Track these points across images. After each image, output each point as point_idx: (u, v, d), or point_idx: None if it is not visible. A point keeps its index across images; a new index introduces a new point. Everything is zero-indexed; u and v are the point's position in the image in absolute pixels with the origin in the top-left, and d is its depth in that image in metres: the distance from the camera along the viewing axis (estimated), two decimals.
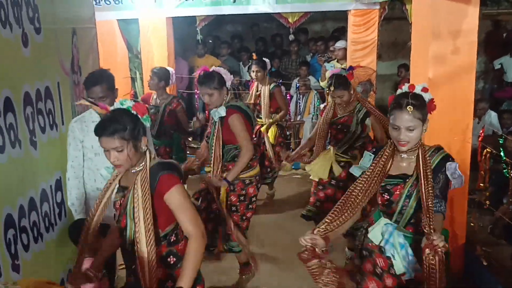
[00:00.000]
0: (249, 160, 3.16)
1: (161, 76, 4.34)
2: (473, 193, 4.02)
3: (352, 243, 3.58)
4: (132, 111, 1.97)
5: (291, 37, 6.85)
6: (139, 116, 1.98)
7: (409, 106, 2.03)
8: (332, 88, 3.57)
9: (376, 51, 6.13)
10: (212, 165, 3.17)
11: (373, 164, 2.20)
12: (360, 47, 6.09)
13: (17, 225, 2.27)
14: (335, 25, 8.11)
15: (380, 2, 5.79)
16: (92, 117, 2.88)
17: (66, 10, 3.19)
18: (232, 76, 3.27)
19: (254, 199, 3.31)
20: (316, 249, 2.05)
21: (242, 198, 3.22)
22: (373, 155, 2.25)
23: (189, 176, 4.75)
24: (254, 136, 4.75)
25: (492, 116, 5.60)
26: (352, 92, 3.60)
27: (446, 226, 2.25)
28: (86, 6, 3.67)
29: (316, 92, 6.77)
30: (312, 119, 6.65)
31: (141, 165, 2.00)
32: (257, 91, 4.95)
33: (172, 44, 6.39)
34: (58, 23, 2.97)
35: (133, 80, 6.81)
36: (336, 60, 6.46)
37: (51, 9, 2.86)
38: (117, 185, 2.11)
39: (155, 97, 4.39)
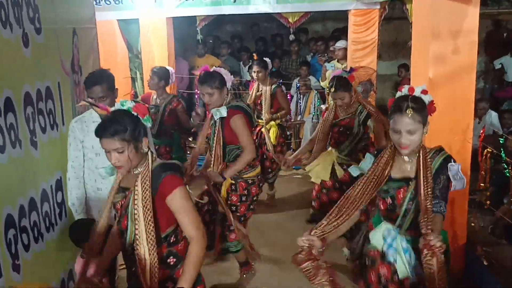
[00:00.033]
0: (250, 160, 3.15)
1: (161, 75, 4.33)
2: (473, 193, 4.02)
3: (349, 243, 3.59)
4: (133, 112, 1.97)
5: (292, 37, 6.85)
6: (140, 117, 1.97)
7: (409, 110, 2.03)
8: (333, 90, 3.57)
9: (376, 51, 6.13)
10: (212, 166, 3.17)
11: (373, 167, 2.20)
12: (361, 47, 6.09)
13: (17, 225, 2.27)
14: (335, 25, 8.12)
15: (380, 2, 5.79)
16: (93, 117, 2.88)
17: (67, 10, 3.19)
18: (232, 76, 3.27)
19: (256, 198, 3.30)
20: (313, 250, 2.06)
21: (244, 198, 3.21)
22: (374, 158, 2.25)
23: None
24: (255, 137, 4.76)
25: (492, 116, 5.60)
26: (353, 94, 3.58)
27: (447, 226, 2.25)
28: (86, 6, 3.67)
29: (316, 92, 6.77)
30: (312, 119, 6.66)
31: (142, 166, 2.00)
32: (257, 91, 4.94)
33: (172, 44, 6.40)
34: (58, 23, 2.97)
35: (133, 80, 6.81)
36: (336, 60, 6.46)
37: (51, 9, 2.86)
38: (118, 186, 2.11)
39: (155, 97, 4.38)
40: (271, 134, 4.84)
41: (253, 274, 3.51)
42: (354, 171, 2.29)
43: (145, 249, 1.92)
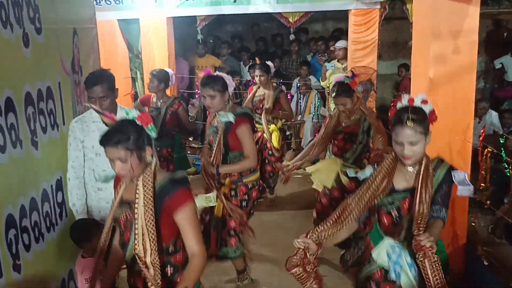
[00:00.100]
0: (249, 168, 3.15)
1: (161, 78, 4.32)
2: (474, 193, 4.02)
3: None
4: (137, 122, 1.97)
5: (292, 37, 6.84)
6: (144, 127, 1.98)
7: (410, 121, 2.03)
8: (334, 95, 3.57)
9: (376, 51, 6.13)
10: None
11: (371, 178, 2.19)
12: (361, 47, 6.09)
13: (18, 225, 2.28)
14: (335, 25, 8.11)
15: (380, 1, 5.79)
16: (93, 117, 2.88)
17: (67, 10, 3.19)
18: (234, 83, 3.26)
19: (255, 202, 3.31)
20: (308, 253, 2.07)
21: (244, 203, 3.20)
22: (373, 169, 2.25)
23: (190, 176, 4.77)
24: (255, 142, 4.76)
25: (493, 116, 5.59)
26: (355, 99, 3.56)
27: (447, 226, 2.25)
28: (87, 6, 3.68)
29: (316, 91, 6.77)
30: (312, 119, 6.66)
31: (144, 176, 1.97)
32: (254, 95, 4.85)
33: (173, 44, 6.40)
34: (59, 23, 2.98)
35: (133, 80, 6.81)
36: (336, 60, 6.46)
37: (52, 9, 2.86)
38: (120, 200, 2.09)
39: (154, 99, 4.36)
40: (274, 138, 4.81)
41: (250, 282, 3.51)
42: (351, 172, 2.28)
43: (148, 260, 1.91)
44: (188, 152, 6.42)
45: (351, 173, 2.30)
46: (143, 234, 1.91)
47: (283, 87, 5.95)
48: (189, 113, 4.45)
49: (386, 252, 2.18)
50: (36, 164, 2.55)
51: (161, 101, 4.33)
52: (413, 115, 2.04)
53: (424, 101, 2.12)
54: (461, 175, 2.12)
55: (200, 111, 7.08)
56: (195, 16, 6.24)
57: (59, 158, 2.86)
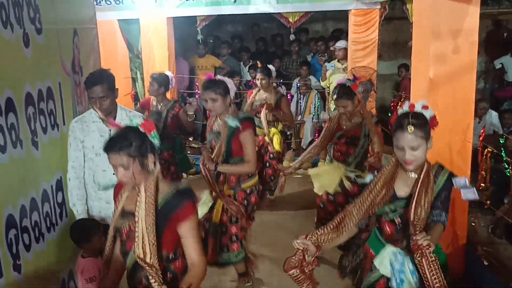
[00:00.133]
0: (248, 173, 3.14)
1: (161, 81, 4.31)
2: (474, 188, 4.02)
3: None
4: (140, 129, 1.98)
5: (292, 37, 6.85)
6: (146, 134, 1.98)
7: (410, 126, 2.05)
8: (335, 97, 3.57)
9: (376, 51, 6.13)
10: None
11: (372, 184, 2.20)
12: (361, 47, 6.09)
13: (18, 225, 2.28)
14: (335, 25, 8.12)
15: (380, 1, 5.79)
16: (93, 117, 2.88)
17: (67, 10, 3.19)
18: (235, 87, 3.27)
19: (255, 207, 3.30)
20: (307, 254, 2.08)
21: (243, 209, 3.20)
22: (375, 175, 2.26)
23: (190, 176, 4.78)
24: (256, 146, 4.76)
25: (493, 116, 5.60)
26: (356, 102, 3.55)
27: (447, 226, 2.25)
28: (87, 6, 3.68)
29: (316, 92, 6.77)
30: (312, 119, 6.66)
31: (146, 185, 1.98)
32: (254, 98, 4.83)
33: (173, 44, 6.40)
34: (59, 23, 2.98)
35: (133, 80, 6.82)
36: (337, 60, 6.46)
37: (52, 9, 2.86)
38: (122, 210, 2.10)
39: (154, 102, 4.34)
40: (275, 141, 4.79)
41: (251, 285, 3.51)
42: (369, 179, 2.28)
43: (147, 258, 1.91)
44: (188, 152, 6.43)
45: (361, 180, 2.30)
46: (143, 239, 1.92)
47: (283, 87, 5.95)
48: (188, 112, 4.45)
49: (389, 261, 2.19)
50: (36, 164, 2.55)
51: (161, 104, 4.31)
52: (413, 120, 2.06)
53: (425, 107, 2.14)
54: (462, 180, 2.14)
55: (200, 112, 7.10)
56: (195, 16, 6.25)
57: (59, 158, 2.86)
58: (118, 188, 2.16)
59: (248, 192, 3.19)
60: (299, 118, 6.76)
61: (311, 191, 5.46)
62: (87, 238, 2.71)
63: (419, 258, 1.97)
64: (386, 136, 3.77)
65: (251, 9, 6.01)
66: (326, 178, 3.65)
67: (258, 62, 5.17)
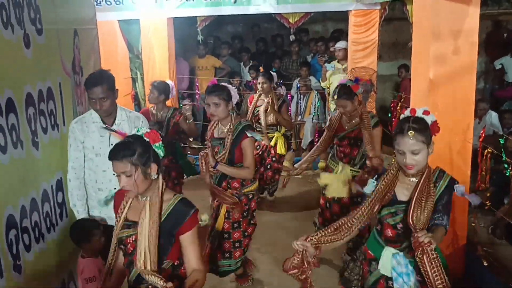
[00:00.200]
0: (244, 178, 3.17)
1: (161, 89, 4.29)
2: (474, 193, 4.02)
3: (351, 248, 3.57)
4: (145, 138, 2.00)
5: (292, 37, 6.84)
6: (151, 143, 2.00)
7: (411, 131, 2.07)
8: (336, 97, 3.58)
9: (376, 52, 6.13)
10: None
11: (377, 189, 2.22)
12: (361, 48, 6.09)
13: (18, 225, 2.28)
14: (335, 25, 8.12)
15: (380, 2, 5.79)
16: (93, 117, 2.89)
17: (68, 11, 3.20)
18: (237, 96, 3.30)
19: (255, 213, 3.33)
20: (306, 255, 2.09)
21: (245, 213, 3.23)
22: (376, 182, 2.27)
23: (190, 176, 4.77)
24: (260, 151, 4.78)
25: (493, 116, 5.60)
26: (356, 103, 3.55)
27: None
28: (87, 7, 3.68)
29: (316, 92, 6.77)
30: (312, 119, 6.66)
31: (152, 194, 2.00)
32: (255, 105, 4.83)
33: (173, 45, 6.40)
34: (59, 24, 2.98)
35: (134, 80, 6.82)
36: (337, 60, 6.47)
37: (52, 10, 2.87)
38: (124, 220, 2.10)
39: (154, 111, 4.33)
40: (279, 145, 4.81)
41: (250, 284, 3.52)
42: (371, 187, 2.29)
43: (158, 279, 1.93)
44: (188, 152, 6.43)
45: (369, 189, 2.31)
46: (145, 254, 1.94)
47: (283, 88, 5.94)
48: (186, 113, 4.44)
49: (390, 263, 2.20)
50: (37, 164, 2.55)
51: (161, 112, 4.29)
52: (414, 125, 2.08)
53: (426, 112, 2.16)
54: (462, 188, 2.16)
55: (200, 112, 7.10)
56: (196, 16, 6.24)
57: (60, 159, 2.86)
58: (118, 198, 2.16)
59: (250, 197, 3.24)
60: (299, 119, 6.76)
61: (311, 191, 5.49)
62: (87, 238, 2.71)
63: (420, 256, 1.97)
64: (386, 136, 3.77)
65: (251, 10, 6.01)
66: (337, 185, 3.61)
67: (261, 67, 5.17)
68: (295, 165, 3.99)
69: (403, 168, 2.17)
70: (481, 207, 4.06)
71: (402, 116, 2.22)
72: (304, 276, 2.11)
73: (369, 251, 2.33)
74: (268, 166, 4.89)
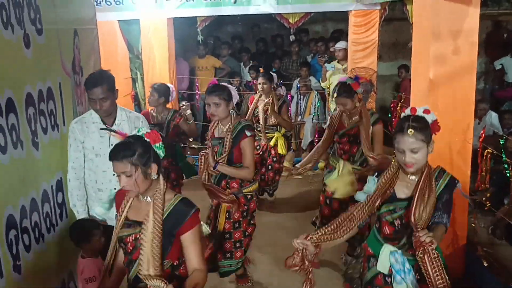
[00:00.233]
0: (244, 178, 3.17)
1: (161, 92, 4.29)
2: (474, 193, 4.02)
3: (351, 249, 3.58)
4: (145, 138, 2.00)
5: (292, 37, 6.84)
6: (151, 144, 2.00)
7: (410, 130, 2.08)
8: (335, 95, 3.58)
9: (376, 52, 6.13)
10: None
11: (378, 186, 2.23)
12: (361, 48, 6.09)
13: (18, 226, 2.28)
14: (335, 25, 8.12)
15: (380, 2, 5.79)
16: (93, 118, 2.89)
17: (68, 11, 3.20)
18: (238, 96, 3.30)
19: (254, 214, 3.33)
20: (305, 255, 2.10)
21: (245, 213, 3.23)
22: (376, 179, 2.28)
23: (191, 177, 4.77)
24: (260, 151, 4.78)
25: (492, 117, 5.60)
26: (356, 101, 3.56)
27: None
28: (87, 7, 3.68)
29: (316, 92, 6.77)
30: (312, 119, 6.66)
31: (152, 192, 2.01)
32: (255, 106, 4.83)
33: (173, 45, 6.40)
34: (59, 24, 2.98)
35: (133, 80, 6.81)
36: (337, 60, 6.47)
37: (52, 10, 2.87)
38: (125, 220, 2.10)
39: (154, 114, 4.33)
40: (280, 146, 4.82)
41: (249, 285, 3.52)
42: (360, 197, 2.30)
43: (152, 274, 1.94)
44: (188, 153, 6.43)
45: (361, 197, 2.31)
46: (148, 260, 1.94)
47: (283, 88, 5.94)
48: (185, 113, 4.44)
49: (388, 260, 2.21)
50: (37, 164, 2.55)
51: (161, 115, 4.28)
52: (414, 124, 2.09)
53: (427, 111, 2.17)
54: (459, 186, 2.18)
55: (200, 112, 7.10)
56: (196, 17, 6.25)
57: (60, 159, 2.86)
58: (120, 197, 2.16)
59: (248, 197, 3.23)
60: (299, 119, 6.76)
61: (311, 192, 5.49)
62: (86, 239, 2.71)
63: (421, 255, 1.98)
64: (386, 136, 3.77)
65: (251, 10, 6.01)
66: (344, 187, 3.60)
67: (261, 68, 5.17)
68: (297, 164, 3.99)
69: (403, 167, 2.17)
70: (481, 208, 4.06)
71: (402, 114, 2.23)
72: (306, 273, 2.12)
73: (369, 248, 2.34)
74: (269, 167, 4.89)
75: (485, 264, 3.37)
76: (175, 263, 2.06)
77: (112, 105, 2.86)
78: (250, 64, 7.22)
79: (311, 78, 6.87)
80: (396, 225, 2.20)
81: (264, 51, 7.89)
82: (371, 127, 3.56)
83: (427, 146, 2.12)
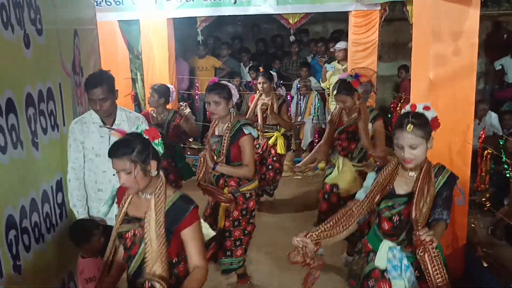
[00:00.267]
0: (244, 177, 3.16)
1: (161, 92, 4.29)
2: (473, 194, 4.03)
3: (351, 248, 3.58)
4: (144, 135, 2.00)
5: (292, 38, 6.83)
6: (150, 141, 2.00)
7: (409, 125, 2.08)
8: (335, 93, 3.58)
9: (376, 52, 6.13)
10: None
11: (376, 181, 2.24)
12: (361, 48, 6.09)
13: (18, 226, 2.28)
14: (335, 26, 8.12)
15: (381, 3, 5.79)
16: (93, 118, 2.89)
17: (68, 11, 3.20)
18: (238, 94, 3.30)
19: (254, 213, 3.32)
20: (306, 252, 2.11)
21: (244, 212, 3.23)
22: (375, 174, 2.28)
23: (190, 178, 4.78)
24: (260, 150, 4.78)
25: (492, 117, 5.60)
26: (355, 99, 3.55)
27: (447, 227, 2.26)
28: (87, 7, 3.68)
29: (316, 93, 6.78)
30: (312, 120, 6.66)
31: (152, 189, 2.01)
32: (256, 104, 4.84)
33: (173, 45, 6.40)
34: (59, 24, 2.98)
35: (133, 81, 6.82)
36: (337, 61, 6.47)
37: (52, 10, 2.87)
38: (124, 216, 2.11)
39: (154, 114, 4.33)
40: (279, 145, 4.82)
41: (249, 286, 3.52)
42: (361, 195, 2.30)
43: (158, 272, 1.94)
44: (188, 153, 6.43)
45: (361, 196, 2.32)
46: (153, 259, 1.94)
47: (283, 88, 5.94)
48: (184, 112, 4.44)
49: (386, 256, 2.22)
50: (37, 165, 2.55)
51: (161, 115, 4.29)
52: (413, 120, 2.10)
53: (427, 108, 2.17)
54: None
55: (200, 112, 7.10)
56: (195, 17, 6.25)
57: (59, 159, 2.86)
58: (121, 192, 2.17)
59: (247, 196, 3.22)
60: (299, 119, 6.76)
61: (311, 192, 5.49)
62: (86, 239, 2.72)
63: (421, 254, 1.99)
64: (386, 136, 3.77)
65: (251, 10, 6.01)
66: (346, 183, 3.61)
67: (260, 67, 5.18)
68: (298, 164, 3.97)
69: (401, 163, 2.18)
70: (481, 208, 4.07)
71: (403, 111, 2.24)
72: (311, 269, 2.13)
73: (369, 244, 2.35)
74: (270, 167, 4.89)
75: (485, 265, 3.37)
76: (173, 261, 2.05)
77: (112, 105, 2.86)
78: (250, 64, 7.23)
79: (311, 78, 6.87)
80: (395, 221, 2.21)
81: (264, 51, 7.89)
82: (370, 124, 3.56)
83: (426, 142, 2.12)
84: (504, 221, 3.71)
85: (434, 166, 2.20)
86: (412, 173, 2.20)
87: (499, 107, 6.47)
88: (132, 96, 6.63)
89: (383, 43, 6.90)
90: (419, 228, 2.03)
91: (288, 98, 6.15)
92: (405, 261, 2.18)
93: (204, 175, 3.21)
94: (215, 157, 3.13)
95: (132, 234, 2.05)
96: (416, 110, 2.17)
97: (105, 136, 2.83)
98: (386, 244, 2.24)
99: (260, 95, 4.81)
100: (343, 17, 6.50)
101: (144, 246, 1.97)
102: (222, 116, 3.12)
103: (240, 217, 3.23)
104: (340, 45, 6.41)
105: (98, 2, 5.72)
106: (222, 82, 3.22)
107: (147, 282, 1.94)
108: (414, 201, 2.09)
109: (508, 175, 3.82)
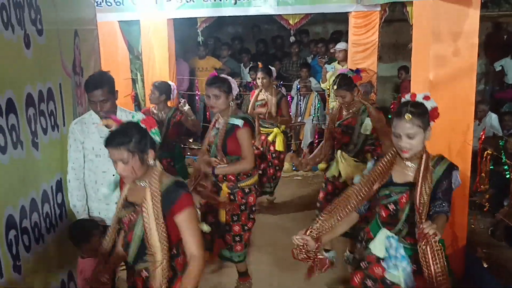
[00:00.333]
0: (245, 170, 3.15)
1: (162, 89, 4.30)
2: (473, 195, 4.03)
3: (353, 245, 3.58)
4: (141, 125, 2.00)
5: (292, 38, 6.84)
6: (148, 130, 2.00)
7: (408, 114, 2.08)
8: (335, 87, 3.58)
9: (376, 53, 6.13)
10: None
11: (371, 170, 2.24)
12: (361, 49, 6.10)
13: (18, 226, 2.28)
14: (336, 27, 8.13)
15: (381, 4, 5.80)
16: (93, 118, 2.89)
17: (68, 11, 3.20)
18: (237, 88, 3.30)
19: (254, 208, 3.31)
20: (307, 248, 2.12)
21: (243, 207, 3.21)
22: (374, 162, 2.29)
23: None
24: (260, 146, 4.78)
25: (492, 118, 5.61)
26: (355, 94, 3.55)
27: (447, 228, 2.27)
28: (87, 8, 3.68)
29: (316, 93, 6.78)
30: (312, 120, 6.67)
31: (149, 178, 2.01)
32: (256, 99, 4.87)
33: (173, 46, 6.40)
34: (60, 24, 2.98)
35: (134, 81, 6.81)
36: (337, 61, 6.48)
37: (53, 10, 2.87)
38: (124, 201, 2.12)
39: (155, 111, 4.34)
40: (278, 142, 4.83)
41: (249, 286, 3.52)
42: (357, 180, 2.30)
43: (158, 258, 1.95)
44: (188, 153, 6.43)
45: (357, 180, 2.32)
46: (153, 246, 1.95)
47: (283, 89, 5.95)
48: (184, 108, 4.44)
49: (383, 244, 2.23)
50: (37, 165, 2.55)
51: (162, 112, 4.29)
52: (412, 109, 2.09)
53: (427, 97, 2.17)
54: (455, 173, 2.17)
55: (200, 112, 7.10)
56: (196, 17, 6.25)
57: (59, 159, 2.86)
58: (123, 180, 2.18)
59: (246, 191, 3.21)
60: (299, 120, 6.77)
61: (311, 192, 5.49)
62: (86, 239, 2.71)
63: (424, 247, 1.98)
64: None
65: (252, 11, 6.01)
66: (343, 169, 3.63)
67: (259, 63, 5.19)
68: (302, 160, 3.94)
69: (398, 152, 2.18)
70: (481, 209, 4.07)
71: (402, 100, 2.23)
72: (315, 263, 2.14)
73: (370, 232, 2.35)
74: (270, 163, 4.89)
75: (485, 265, 3.37)
76: (172, 252, 2.04)
77: (112, 106, 2.86)
78: (250, 65, 7.23)
79: (311, 79, 6.87)
80: (391, 209, 2.21)
81: (264, 52, 7.89)
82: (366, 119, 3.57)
83: (424, 132, 2.12)
84: (504, 222, 3.71)
85: (433, 157, 2.19)
86: (409, 163, 2.19)
87: (499, 108, 6.47)
88: (132, 96, 6.63)
89: (383, 44, 6.90)
90: (422, 220, 2.02)
91: (288, 99, 6.16)
92: (401, 251, 2.18)
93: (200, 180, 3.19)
94: (212, 160, 3.12)
95: (129, 219, 2.07)
96: (416, 100, 2.17)
97: (105, 136, 2.83)
98: (383, 232, 2.25)
99: (260, 90, 4.83)
100: (343, 18, 6.51)
101: (145, 235, 1.97)
102: (221, 109, 3.11)
103: (239, 212, 3.21)
104: (340, 46, 6.41)
105: (99, 3, 5.72)
106: (222, 75, 3.20)
107: (143, 270, 1.94)
108: (418, 190, 2.08)
109: (508, 176, 3.82)
